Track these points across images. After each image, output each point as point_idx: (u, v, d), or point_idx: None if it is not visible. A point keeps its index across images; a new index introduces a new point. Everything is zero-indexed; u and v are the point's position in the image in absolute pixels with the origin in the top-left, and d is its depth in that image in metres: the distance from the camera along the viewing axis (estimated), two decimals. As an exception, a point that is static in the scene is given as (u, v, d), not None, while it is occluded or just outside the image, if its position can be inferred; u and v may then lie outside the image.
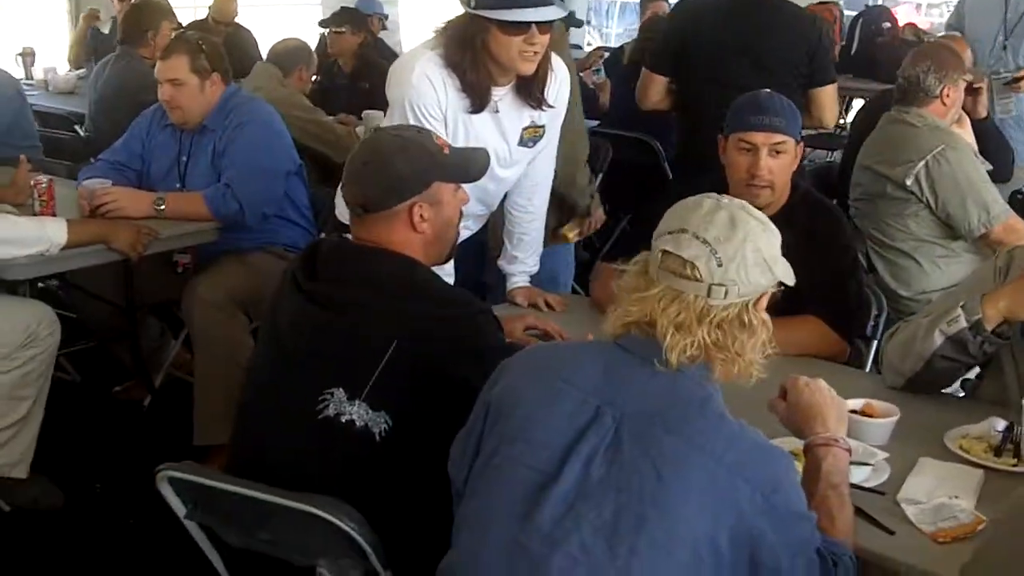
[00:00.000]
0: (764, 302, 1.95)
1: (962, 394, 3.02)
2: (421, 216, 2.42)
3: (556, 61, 3.33)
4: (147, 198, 4.10)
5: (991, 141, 4.68)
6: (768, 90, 3.23)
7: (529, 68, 3.16)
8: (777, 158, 3.11)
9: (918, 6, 14.73)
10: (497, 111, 3.26)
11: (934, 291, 4.02)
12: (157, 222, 4.02)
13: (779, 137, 3.10)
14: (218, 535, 2.48)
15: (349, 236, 2.54)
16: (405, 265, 2.41)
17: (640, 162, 5.69)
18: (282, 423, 2.37)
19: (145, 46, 5.71)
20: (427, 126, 3.09)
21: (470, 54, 3.13)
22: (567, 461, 1.85)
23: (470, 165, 2.61)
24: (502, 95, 3.25)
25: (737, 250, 1.88)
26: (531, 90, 3.26)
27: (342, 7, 7.53)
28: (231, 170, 4.15)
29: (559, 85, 3.36)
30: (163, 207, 4.07)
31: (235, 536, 2.43)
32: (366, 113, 5.72)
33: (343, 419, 2.28)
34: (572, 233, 4.35)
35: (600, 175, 5.14)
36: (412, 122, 3.12)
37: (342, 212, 3.50)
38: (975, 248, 4.06)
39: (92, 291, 4.29)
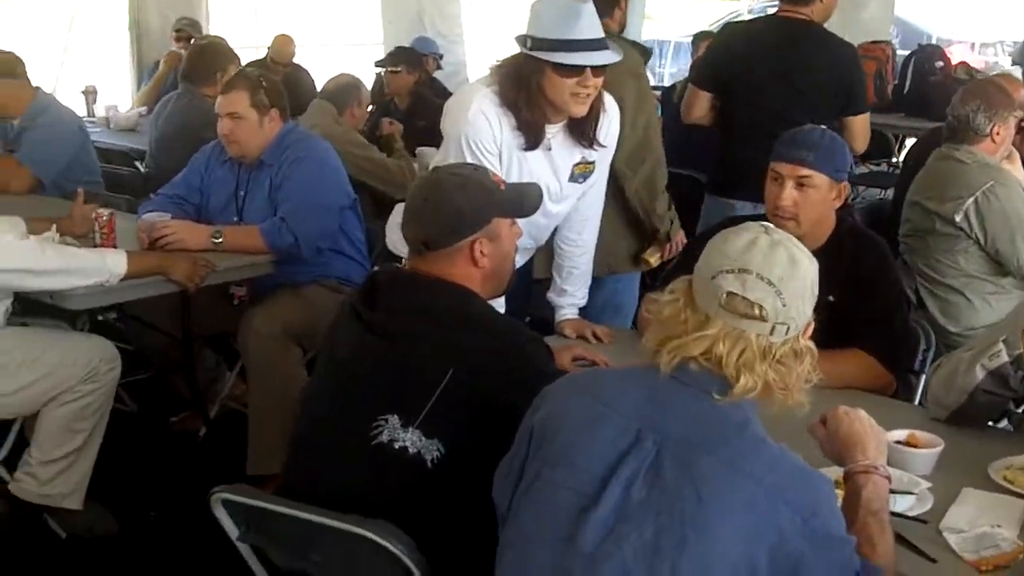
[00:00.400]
0: (810, 330, 1.98)
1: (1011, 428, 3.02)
2: (481, 252, 2.49)
3: (608, 100, 3.38)
4: (205, 231, 4.19)
5: (1042, 178, 4.67)
6: (813, 125, 3.24)
7: (581, 110, 3.22)
8: (803, 191, 3.09)
9: (972, 45, 14.66)
10: (550, 148, 3.32)
11: (983, 327, 4.00)
12: (214, 255, 4.10)
13: (804, 171, 3.08)
14: (269, 558, 2.53)
15: (402, 264, 2.60)
16: (462, 297, 2.47)
17: (692, 198, 5.71)
18: (337, 452, 2.42)
19: (211, 86, 5.75)
20: (483, 161, 3.16)
21: (524, 93, 3.19)
22: (608, 484, 1.88)
23: (524, 200, 2.68)
24: (555, 132, 3.30)
25: (799, 288, 1.91)
26: (584, 129, 3.32)
27: (397, 47, 7.68)
28: (287, 204, 4.23)
29: (610, 124, 3.41)
30: (220, 240, 4.15)
31: (286, 558, 2.49)
32: (420, 150, 5.82)
33: (396, 445, 2.33)
34: (654, 258, 4.42)
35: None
36: (468, 157, 3.19)
37: (394, 243, 3.55)
38: (1025, 284, 4.05)
39: (150, 323, 4.38)
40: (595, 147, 3.38)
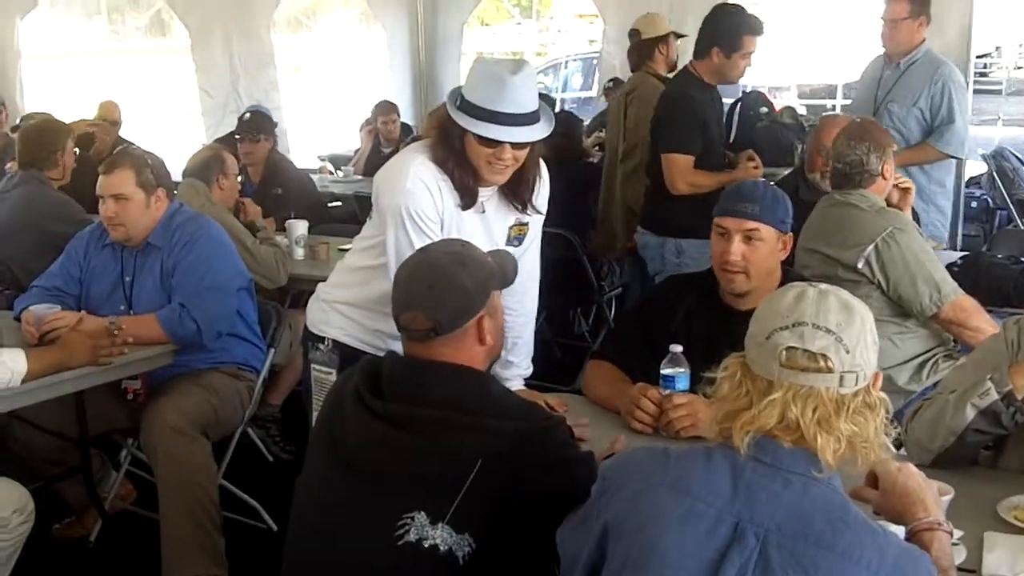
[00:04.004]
0: (880, 381, 1.92)
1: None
2: (486, 328, 2.40)
3: (542, 166, 3.32)
4: (100, 323, 3.84)
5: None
6: (757, 180, 3.27)
7: (497, 179, 3.15)
8: (750, 244, 3.15)
9: (768, 90, 15.22)
10: (484, 211, 3.24)
11: (892, 367, 4.07)
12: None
13: (751, 224, 3.16)
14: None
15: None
16: (480, 382, 2.37)
17: (557, 256, 5.74)
18: (355, 548, 2.26)
19: (54, 168, 5.39)
20: (426, 230, 3.08)
21: (453, 153, 3.11)
22: None
23: (506, 268, 2.60)
24: (488, 196, 3.23)
25: (858, 333, 1.86)
26: (518, 193, 3.25)
27: (252, 113, 7.35)
28: (184, 289, 4.00)
29: (544, 190, 3.35)
30: (117, 333, 3.84)
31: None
32: (290, 223, 5.60)
33: (426, 544, 2.19)
34: None
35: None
36: (410, 228, 3.09)
37: (316, 322, 3.40)
38: (928, 323, 4.14)
39: (39, 425, 4.01)
40: (529, 211, 3.32)
